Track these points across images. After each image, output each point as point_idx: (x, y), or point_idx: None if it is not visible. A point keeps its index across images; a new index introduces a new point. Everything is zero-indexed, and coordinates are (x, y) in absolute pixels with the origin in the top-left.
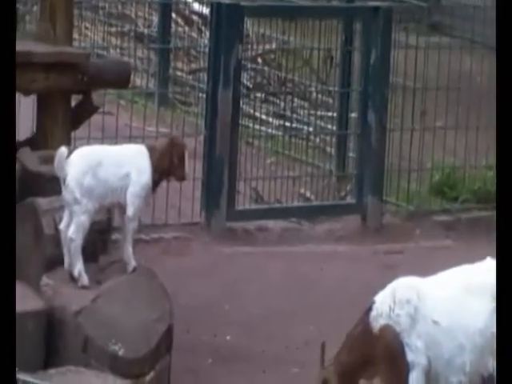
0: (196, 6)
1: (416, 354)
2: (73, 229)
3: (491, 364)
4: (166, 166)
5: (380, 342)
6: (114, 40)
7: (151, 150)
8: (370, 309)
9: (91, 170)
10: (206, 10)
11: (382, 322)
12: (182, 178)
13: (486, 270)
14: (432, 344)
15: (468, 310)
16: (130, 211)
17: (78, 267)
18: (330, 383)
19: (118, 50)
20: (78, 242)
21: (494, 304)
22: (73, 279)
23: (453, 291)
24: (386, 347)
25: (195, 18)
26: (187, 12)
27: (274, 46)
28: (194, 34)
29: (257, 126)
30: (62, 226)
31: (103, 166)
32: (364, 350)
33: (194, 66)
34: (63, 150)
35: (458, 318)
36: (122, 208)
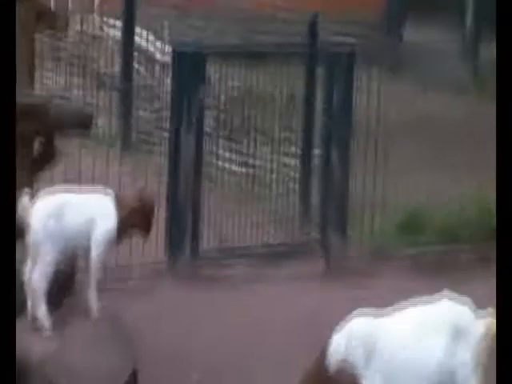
0: (159, 46)
1: None
2: (37, 275)
3: None
4: (132, 219)
5: (336, 379)
6: (76, 82)
7: (119, 200)
8: (327, 346)
9: (55, 215)
10: (169, 51)
11: (338, 358)
12: (145, 234)
13: (442, 308)
14: (388, 380)
15: (423, 345)
16: (94, 255)
17: (42, 313)
18: None
19: (81, 93)
20: (42, 287)
21: (452, 340)
22: (37, 326)
23: (409, 327)
24: (339, 382)
25: (158, 57)
26: (150, 52)
27: (236, 88)
28: (157, 75)
29: (220, 165)
30: (25, 271)
31: (67, 212)
32: None
33: (156, 106)
34: (25, 197)
35: (412, 354)
36: (87, 252)
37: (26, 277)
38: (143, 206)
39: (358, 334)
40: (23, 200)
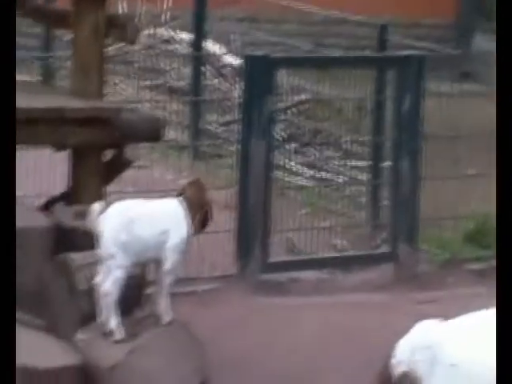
0: (228, 59)
1: None
2: (108, 283)
3: None
4: (200, 216)
5: None
6: (146, 94)
7: (186, 202)
8: (390, 356)
9: (127, 225)
10: (238, 62)
11: (401, 369)
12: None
13: None
14: None
15: (489, 353)
16: (168, 265)
17: (113, 321)
18: None
19: (151, 104)
20: (113, 296)
21: None
22: (108, 333)
23: (475, 334)
24: None
25: (227, 70)
26: (219, 64)
27: (307, 96)
28: (227, 86)
29: (290, 177)
30: (97, 281)
31: (139, 222)
32: None
33: (226, 117)
34: (98, 205)
35: (476, 361)
36: (159, 262)
37: (97, 287)
38: (203, 196)
39: (420, 341)
40: (94, 210)
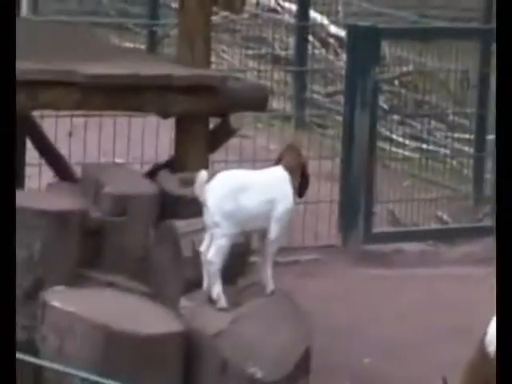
0: (333, 29)
1: None
2: (212, 251)
3: None
4: (301, 181)
5: (494, 366)
6: (250, 63)
7: (288, 170)
8: (485, 333)
9: (233, 195)
10: (342, 33)
11: (493, 347)
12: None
13: None
14: None
15: None
16: (273, 235)
17: (217, 289)
18: None
19: (255, 73)
20: (218, 264)
21: None
22: (211, 301)
23: None
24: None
25: (332, 40)
26: (324, 34)
27: (410, 68)
28: (331, 57)
29: (393, 149)
30: (202, 249)
31: (246, 192)
32: (482, 377)
33: (330, 88)
34: (204, 173)
35: None
36: (263, 232)
37: (202, 254)
38: (303, 170)
39: None
40: (201, 179)
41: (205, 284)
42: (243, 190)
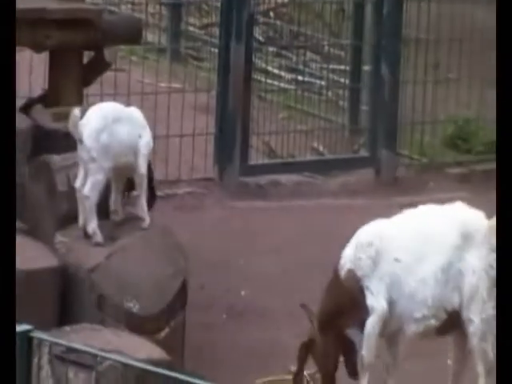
0: None
1: (376, 298)
2: (88, 186)
3: (456, 299)
4: None
5: (345, 288)
6: None
7: None
8: (340, 257)
9: (108, 128)
10: None
11: (346, 268)
12: None
13: (455, 209)
14: (395, 282)
15: (431, 246)
16: (142, 169)
17: (93, 225)
18: (316, 340)
19: (130, 6)
20: (93, 199)
21: (461, 241)
22: (87, 236)
23: (418, 229)
24: (349, 292)
25: None
26: None
27: None
28: None
29: (269, 81)
30: (77, 184)
31: (119, 124)
32: (335, 299)
33: (205, 20)
34: (77, 110)
35: (419, 254)
36: (134, 167)
37: (77, 190)
38: None
39: (363, 241)
40: (74, 114)
41: (80, 220)
42: (117, 122)
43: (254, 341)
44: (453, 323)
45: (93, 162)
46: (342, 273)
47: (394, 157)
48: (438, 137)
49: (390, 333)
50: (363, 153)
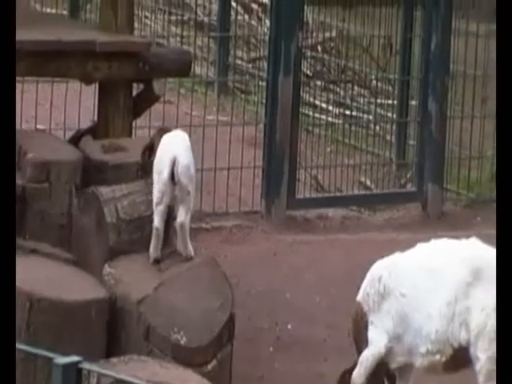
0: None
1: (377, 332)
2: (157, 218)
3: (464, 336)
4: None
5: (355, 321)
6: (173, 28)
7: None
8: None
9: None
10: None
11: (358, 301)
12: None
13: (468, 244)
14: (401, 317)
15: (438, 282)
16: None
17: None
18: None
19: (178, 39)
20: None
21: (470, 277)
22: (154, 263)
23: (427, 263)
24: (353, 325)
25: (255, 6)
26: (247, 0)
27: (333, 33)
28: (254, 23)
29: (316, 115)
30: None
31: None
32: (357, 325)
33: (253, 54)
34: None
35: (425, 289)
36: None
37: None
38: None
39: (374, 275)
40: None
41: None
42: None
43: (301, 373)
44: (462, 360)
45: (189, 195)
46: (356, 306)
47: (441, 192)
48: (485, 172)
49: (401, 366)
50: (410, 187)
